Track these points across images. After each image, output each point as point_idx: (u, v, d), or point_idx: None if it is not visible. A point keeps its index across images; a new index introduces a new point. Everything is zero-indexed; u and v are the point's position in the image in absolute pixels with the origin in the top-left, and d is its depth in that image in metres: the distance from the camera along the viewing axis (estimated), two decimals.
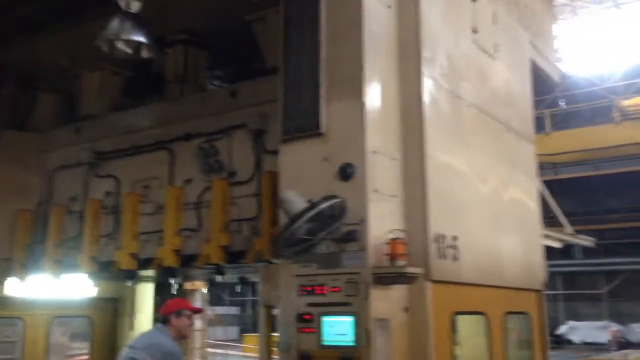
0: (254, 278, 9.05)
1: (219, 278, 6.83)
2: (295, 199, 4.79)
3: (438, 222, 5.35)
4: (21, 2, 7.02)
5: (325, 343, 4.93)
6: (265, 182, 6.22)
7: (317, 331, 4.97)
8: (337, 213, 4.79)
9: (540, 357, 7.00)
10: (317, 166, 5.16)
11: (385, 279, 4.84)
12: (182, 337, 4.99)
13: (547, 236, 7.85)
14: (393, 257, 4.85)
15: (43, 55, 8.38)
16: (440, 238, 5.35)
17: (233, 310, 40.01)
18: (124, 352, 4.87)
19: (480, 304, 5.97)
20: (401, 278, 4.81)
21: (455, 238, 5.56)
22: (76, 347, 9.66)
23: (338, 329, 4.91)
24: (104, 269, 7.44)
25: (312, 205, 4.76)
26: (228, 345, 24.67)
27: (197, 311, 5.15)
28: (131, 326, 9.14)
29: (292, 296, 5.11)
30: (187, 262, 6.80)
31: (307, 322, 5.04)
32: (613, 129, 25.67)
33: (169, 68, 7.97)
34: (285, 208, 4.82)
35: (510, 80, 7.25)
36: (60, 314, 9.01)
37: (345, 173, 4.99)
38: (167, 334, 4.87)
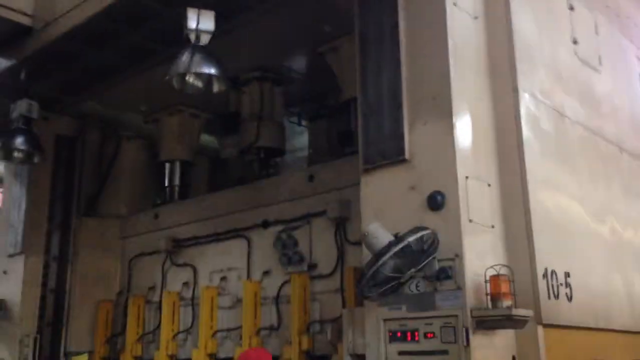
0: None
1: None
2: (379, 232, 4.25)
3: (546, 256, 4.63)
4: (103, 47, 6.99)
5: None
6: (348, 277, 5.72)
7: None
8: (427, 247, 4.20)
9: None
10: (403, 196, 4.62)
11: (487, 322, 4.16)
12: None
13: None
14: (496, 297, 4.17)
15: (123, 102, 8.40)
16: (550, 274, 4.61)
17: None
18: None
19: (601, 353, 5.10)
20: (507, 321, 4.11)
21: (567, 275, 4.80)
22: None
23: None
24: None
25: (399, 238, 4.19)
26: None
27: None
28: None
29: (381, 343, 4.51)
30: None
31: None
32: None
33: (245, 106, 7.74)
34: (368, 243, 4.28)
35: (618, 96, 6.44)
36: None
37: (435, 202, 4.41)
38: None
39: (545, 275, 4.56)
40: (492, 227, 4.59)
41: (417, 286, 4.43)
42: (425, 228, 4.22)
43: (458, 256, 4.27)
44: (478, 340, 4.14)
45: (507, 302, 4.13)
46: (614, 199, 5.80)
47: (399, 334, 4.48)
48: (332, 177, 6.26)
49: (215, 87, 5.65)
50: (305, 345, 5.86)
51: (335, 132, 7.31)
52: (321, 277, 6.09)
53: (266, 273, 6.63)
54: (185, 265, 7.54)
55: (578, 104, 5.62)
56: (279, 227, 6.61)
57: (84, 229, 8.43)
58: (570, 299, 4.76)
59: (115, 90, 7.93)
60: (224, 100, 7.90)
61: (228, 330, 6.75)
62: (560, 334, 4.58)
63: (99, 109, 8.62)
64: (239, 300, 6.68)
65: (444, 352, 4.23)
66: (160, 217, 8.11)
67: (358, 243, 5.33)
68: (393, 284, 4.21)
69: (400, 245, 4.04)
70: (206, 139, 9.32)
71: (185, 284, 7.43)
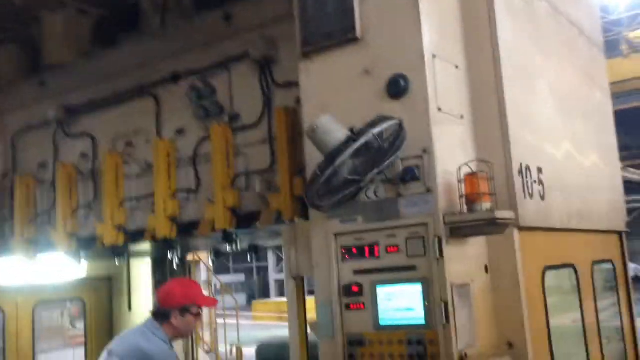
0: (266, 243, 7.72)
1: (227, 247, 5.44)
2: (333, 127, 3.39)
3: (520, 151, 3.97)
4: None
5: (382, 323, 3.61)
6: (279, 121, 4.78)
7: (371, 307, 3.65)
8: (392, 141, 3.39)
9: (626, 306, 5.71)
10: (354, 83, 3.77)
11: (464, 229, 3.48)
12: (181, 337, 3.74)
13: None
14: (472, 198, 3.48)
15: None
16: (525, 171, 3.97)
17: (239, 278, 39.03)
18: (102, 357, 3.56)
19: (569, 254, 4.64)
20: (488, 226, 3.44)
21: (540, 171, 4.19)
22: (80, 329, 8.55)
23: (400, 302, 3.58)
24: (85, 246, 6.07)
25: (359, 132, 3.35)
26: (237, 313, 23.75)
27: (211, 305, 3.80)
28: (129, 307, 7.88)
29: (332, 262, 3.77)
30: (186, 230, 5.41)
31: (356, 295, 3.72)
32: (620, 63, 24.15)
33: None
34: (318, 140, 3.42)
35: None
36: (46, 299, 7.82)
37: (397, 88, 3.59)
38: (157, 334, 3.58)
39: (520, 172, 3.92)
40: (461, 117, 3.85)
41: (375, 192, 3.67)
42: (390, 118, 3.40)
43: (427, 152, 3.51)
44: (451, 251, 3.48)
45: (486, 204, 3.45)
46: (580, 85, 5.22)
47: (354, 250, 3.75)
48: (253, 13, 5.22)
49: None
50: (230, 202, 4.97)
51: None
52: (245, 128, 5.16)
53: (180, 132, 5.61)
54: (81, 135, 6.43)
55: None
56: (192, 80, 5.52)
57: None
58: (543, 197, 4.18)
59: None
60: None
61: (137, 199, 5.80)
62: (534, 237, 4.02)
63: None
64: (149, 167, 5.69)
65: (411, 268, 3.54)
66: (47, 83, 6.83)
67: (288, 85, 4.62)
68: (351, 189, 3.40)
69: (364, 140, 3.21)
70: None
71: (84, 155, 6.36)
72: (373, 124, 3.32)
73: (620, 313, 5.57)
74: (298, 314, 4.15)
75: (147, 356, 3.42)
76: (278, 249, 35.83)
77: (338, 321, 3.74)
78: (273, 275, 38.31)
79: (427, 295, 3.47)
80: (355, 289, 3.72)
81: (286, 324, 4.68)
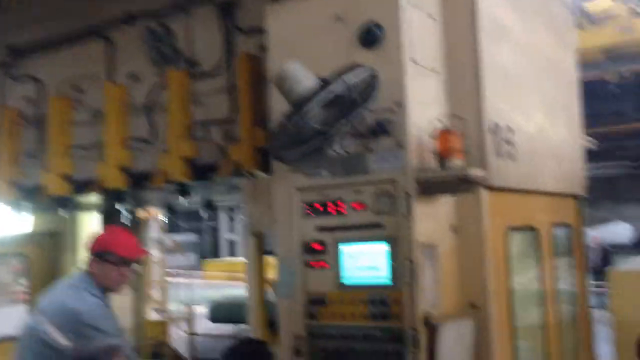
0: (222, 200, 7.50)
1: (183, 201, 5.18)
2: (301, 74, 3.17)
3: (493, 108, 3.84)
4: None
5: (345, 282, 3.48)
6: (241, 69, 4.50)
7: (334, 266, 3.51)
8: (362, 94, 3.20)
9: (580, 270, 5.75)
10: (325, 30, 3.56)
11: (434, 187, 3.36)
12: (109, 289, 3.38)
13: None
14: (445, 155, 3.35)
15: None
16: (496, 129, 3.86)
17: (190, 237, 38.59)
18: (30, 317, 3.31)
19: (531, 216, 4.60)
20: (460, 184, 3.32)
21: (510, 130, 4.08)
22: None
23: (364, 261, 3.45)
24: (28, 196, 5.71)
25: (326, 82, 3.15)
26: (188, 273, 23.61)
27: (134, 256, 3.50)
28: (74, 264, 7.56)
29: (295, 219, 3.60)
30: (138, 182, 5.12)
31: (318, 253, 3.57)
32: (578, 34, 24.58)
33: None
34: (286, 87, 3.20)
35: None
36: None
37: (371, 36, 3.39)
38: (88, 288, 3.27)
39: (492, 130, 3.80)
40: (435, 71, 3.69)
41: (343, 146, 3.49)
42: (363, 66, 3.19)
43: (400, 106, 3.34)
44: (420, 210, 3.35)
45: (459, 162, 3.33)
46: (545, 39, 5.10)
47: (317, 206, 3.59)
48: None
49: None
50: (186, 152, 4.68)
51: None
52: (204, 75, 4.86)
53: (134, 77, 5.25)
54: (27, 77, 6.01)
55: None
56: (148, 22, 5.17)
57: None
58: (512, 158, 4.08)
59: None
60: None
61: (86, 148, 5.42)
62: (501, 197, 3.93)
63: None
64: (99, 113, 5.31)
65: (377, 226, 3.41)
66: None
67: (252, 30, 4.37)
68: (319, 141, 3.21)
69: (336, 88, 3.00)
70: None
71: (29, 100, 5.94)
72: (345, 71, 3.11)
73: (575, 276, 5.61)
74: (257, 271, 3.98)
75: (75, 314, 3.10)
76: (230, 209, 35.49)
77: (299, 280, 3.60)
78: (224, 235, 38.06)
79: (393, 255, 3.35)
80: (317, 246, 3.58)
81: (237, 283, 4.51)
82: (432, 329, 3.26)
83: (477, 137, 3.69)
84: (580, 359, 5.46)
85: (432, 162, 3.39)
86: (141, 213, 7.16)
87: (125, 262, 3.38)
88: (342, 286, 3.49)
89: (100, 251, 3.34)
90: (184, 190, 4.92)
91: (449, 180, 3.29)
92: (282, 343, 3.65)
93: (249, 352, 3.98)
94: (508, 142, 4.03)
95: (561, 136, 5.35)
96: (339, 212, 3.52)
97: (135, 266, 3.50)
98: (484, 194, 3.68)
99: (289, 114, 3.14)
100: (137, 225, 7.65)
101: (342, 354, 3.44)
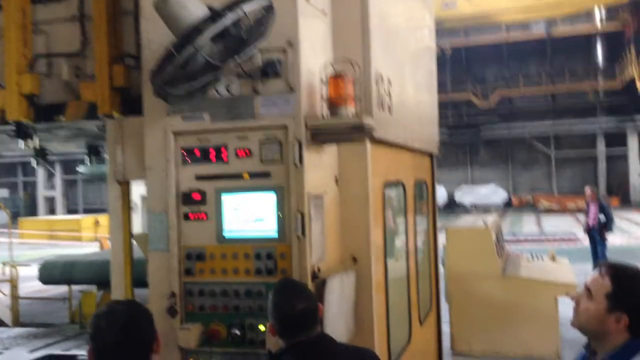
0: (60, 147, 6.73)
1: (22, 145, 4.48)
2: (189, 0, 2.78)
3: (377, 57, 3.75)
4: None
5: (227, 235, 3.23)
6: None
7: (214, 218, 3.23)
8: (254, 28, 2.90)
9: (431, 226, 6.04)
10: None
11: (326, 135, 3.19)
12: None
13: None
14: (336, 102, 3.19)
15: None
16: (378, 80, 3.78)
17: (2, 193, 35.04)
18: None
19: (401, 172, 4.65)
20: (353, 133, 3.18)
21: (390, 83, 4.04)
22: None
23: (249, 212, 3.21)
24: None
25: (216, 12, 2.80)
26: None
27: None
28: None
29: (170, 166, 3.25)
30: None
31: (197, 204, 3.26)
32: None
33: None
34: (172, 15, 2.79)
35: None
36: None
37: None
38: None
39: (377, 81, 3.71)
40: (324, 13, 3.49)
41: (227, 88, 3.19)
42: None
43: (292, 46, 3.11)
44: (309, 159, 3.17)
45: (351, 109, 3.19)
46: (417, 11, 5.14)
47: (197, 153, 3.26)
48: None
49: None
50: (27, 88, 4.06)
51: None
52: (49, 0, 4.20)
53: None
54: None
55: None
56: None
57: None
58: (390, 111, 4.05)
59: None
60: None
61: None
62: (380, 150, 3.88)
63: None
64: None
65: (264, 175, 3.18)
66: None
67: None
68: (209, 77, 2.88)
69: (231, 18, 2.67)
70: None
71: None
72: (239, 1, 2.79)
73: (428, 233, 5.86)
74: (122, 225, 3.55)
75: None
76: (50, 163, 32.58)
77: (174, 232, 3.26)
78: (42, 192, 35.09)
79: (281, 206, 3.15)
80: (196, 196, 3.26)
81: (57, 242, 4.01)
82: (320, 283, 3.14)
83: (364, 86, 3.57)
84: (432, 309, 5.75)
85: (321, 109, 3.22)
86: None
87: None
88: (224, 239, 3.23)
89: None
90: (24, 132, 4.26)
91: (341, 129, 3.14)
92: (151, 302, 3.31)
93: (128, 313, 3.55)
94: (389, 94, 3.99)
95: (424, 97, 5.47)
96: (221, 160, 3.22)
97: None
98: (368, 145, 3.60)
99: (176, 44, 2.75)
100: None
101: (223, 313, 3.20)
